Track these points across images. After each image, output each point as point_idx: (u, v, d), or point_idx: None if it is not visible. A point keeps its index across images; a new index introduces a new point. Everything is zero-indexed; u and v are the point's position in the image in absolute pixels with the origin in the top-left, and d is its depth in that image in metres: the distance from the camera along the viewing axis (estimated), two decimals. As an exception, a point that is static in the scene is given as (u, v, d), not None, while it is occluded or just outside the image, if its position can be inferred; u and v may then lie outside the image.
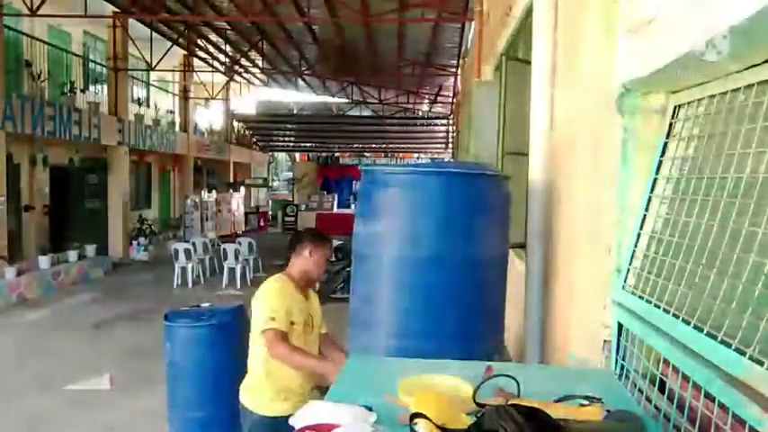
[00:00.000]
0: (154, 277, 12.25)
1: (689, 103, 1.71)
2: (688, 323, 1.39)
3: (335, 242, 12.00)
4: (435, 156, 27.74)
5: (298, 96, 25.82)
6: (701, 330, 1.33)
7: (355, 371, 2.01)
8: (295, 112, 26.33)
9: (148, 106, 16.51)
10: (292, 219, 21.95)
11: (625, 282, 1.84)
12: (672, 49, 1.47)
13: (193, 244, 12.11)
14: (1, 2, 10.27)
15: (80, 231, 13.12)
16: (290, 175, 30.69)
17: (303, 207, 23.30)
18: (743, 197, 1.32)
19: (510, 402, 1.38)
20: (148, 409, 5.09)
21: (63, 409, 5.32)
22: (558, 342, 2.55)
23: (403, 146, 26.40)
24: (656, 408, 1.55)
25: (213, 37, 16.32)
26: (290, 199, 26.33)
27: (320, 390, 3.05)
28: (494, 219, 2.52)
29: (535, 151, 2.91)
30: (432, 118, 23.79)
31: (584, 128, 2.32)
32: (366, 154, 28.86)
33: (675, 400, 1.45)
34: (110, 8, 13.31)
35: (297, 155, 30.20)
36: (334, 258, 11.49)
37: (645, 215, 1.81)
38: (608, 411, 1.48)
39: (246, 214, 22.48)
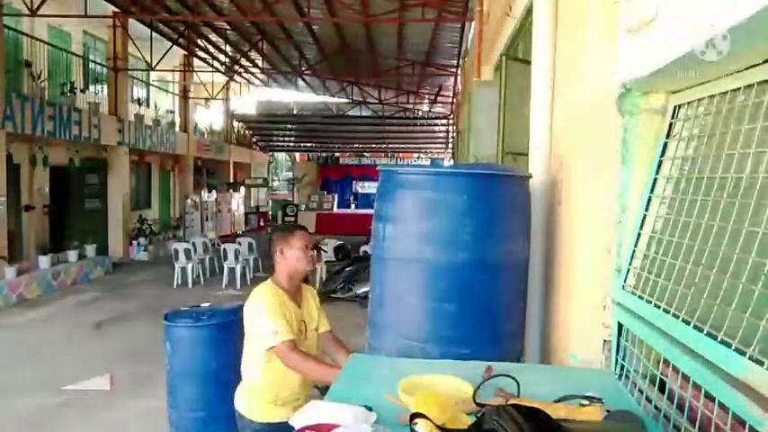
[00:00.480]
0: (154, 277, 12.26)
1: (689, 103, 1.71)
2: (688, 323, 1.39)
3: (335, 242, 12.04)
4: (435, 156, 27.78)
5: (298, 96, 25.82)
6: (701, 330, 1.32)
7: (355, 371, 2.01)
8: (295, 112, 26.31)
9: (148, 106, 16.52)
10: (292, 219, 21.94)
11: (625, 282, 1.84)
12: (672, 49, 1.47)
13: (193, 244, 12.12)
14: (1, 2, 10.27)
15: (80, 231, 13.13)
16: (290, 175, 30.69)
17: (303, 207, 23.33)
18: (743, 197, 1.32)
19: (510, 402, 1.38)
20: (148, 409, 5.09)
21: (63, 409, 5.32)
22: (558, 342, 2.55)
23: (403, 146, 26.39)
24: (656, 408, 1.55)
25: (213, 37, 16.34)
26: (290, 199, 26.34)
27: (320, 390, 3.05)
28: (522, 220, 2.50)
29: (535, 151, 2.91)
30: (432, 118, 23.79)
31: (583, 128, 2.31)
32: (366, 154, 28.86)
33: (675, 401, 1.45)
34: (110, 8, 13.33)
35: (297, 155, 30.19)
36: (334, 258, 11.51)
37: (645, 215, 1.81)
38: (608, 411, 1.48)
39: (246, 214, 22.50)
